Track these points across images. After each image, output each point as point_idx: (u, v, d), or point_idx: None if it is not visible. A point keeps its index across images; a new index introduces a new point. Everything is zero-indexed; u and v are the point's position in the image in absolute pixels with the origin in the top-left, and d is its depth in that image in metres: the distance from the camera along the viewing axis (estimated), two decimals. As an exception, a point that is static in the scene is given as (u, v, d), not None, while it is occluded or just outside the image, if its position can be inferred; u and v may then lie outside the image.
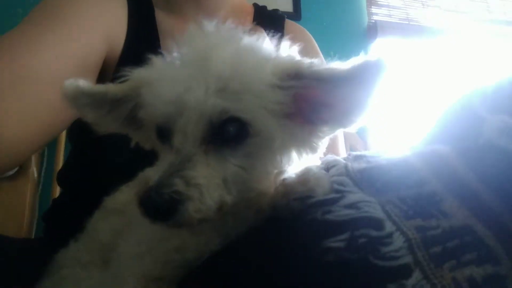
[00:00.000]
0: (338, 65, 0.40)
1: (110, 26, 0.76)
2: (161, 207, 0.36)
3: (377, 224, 0.34)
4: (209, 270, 0.42)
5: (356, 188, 0.40)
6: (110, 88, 0.48)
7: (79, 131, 0.85)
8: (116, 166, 0.77)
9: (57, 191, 1.34)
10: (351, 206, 0.36)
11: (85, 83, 0.47)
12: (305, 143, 0.45)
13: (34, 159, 1.40)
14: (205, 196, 0.38)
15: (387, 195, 0.38)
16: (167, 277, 0.43)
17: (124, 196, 0.59)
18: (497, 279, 0.29)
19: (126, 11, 0.81)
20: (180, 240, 0.43)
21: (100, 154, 0.82)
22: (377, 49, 2.25)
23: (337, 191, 0.39)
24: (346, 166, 0.43)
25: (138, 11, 0.83)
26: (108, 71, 0.78)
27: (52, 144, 1.47)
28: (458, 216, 0.34)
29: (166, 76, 0.42)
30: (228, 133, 0.40)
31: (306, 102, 0.43)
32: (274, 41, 0.45)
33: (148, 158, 0.63)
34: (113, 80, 0.77)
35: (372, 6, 2.35)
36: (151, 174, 0.38)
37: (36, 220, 1.36)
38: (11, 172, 1.37)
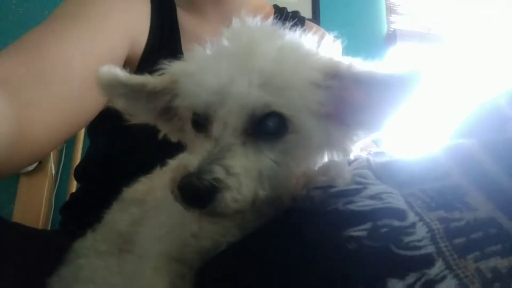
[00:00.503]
0: (378, 68, 0.40)
1: (133, 24, 0.78)
2: (201, 192, 0.37)
3: (399, 214, 0.34)
4: (229, 259, 0.43)
5: (377, 180, 0.40)
6: (149, 80, 0.48)
7: (98, 126, 0.87)
8: (134, 160, 0.78)
9: (73, 186, 1.37)
10: (374, 197, 0.37)
11: (122, 72, 0.48)
12: (339, 145, 0.45)
13: (52, 155, 1.43)
14: (243, 187, 0.38)
15: (410, 188, 0.38)
16: (185, 261, 0.43)
17: (144, 187, 0.60)
18: (522, 270, 0.29)
19: (149, 9, 0.83)
20: (198, 227, 0.44)
21: (118, 149, 0.84)
22: (395, 56, 2.24)
23: (359, 183, 0.39)
24: (368, 160, 0.43)
25: (160, 10, 0.84)
26: (130, 69, 0.79)
27: (70, 141, 1.50)
28: (482, 209, 0.34)
29: (209, 67, 0.42)
30: (268, 127, 0.40)
31: (343, 104, 0.43)
32: (315, 38, 0.46)
33: (166, 153, 0.64)
34: None
35: (392, 14, 2.35)
36: (190, 160, 0.39)
37: (52, 214, 1.39)
38: (30, 167, 1.40)
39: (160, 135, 0.54)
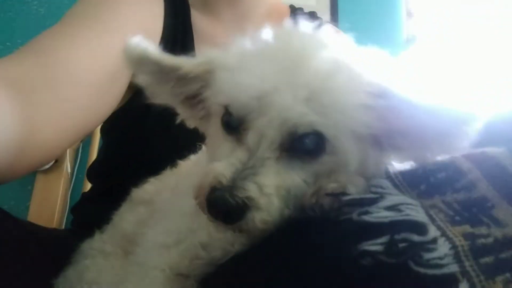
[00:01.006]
0: (430, 95, 0.37)
1: (146, 26, 0.77)
2: (233, 210, 0.36)
3: (420, 228, 0.32)
4: (233, 271, 0.41)
5: (395, 190, 0.37)
6: (183, 64, 0.46)
7: (111, 126, 0.87)
8: (145, 161, 0.78)
9: (88, 186, 1.37)
10: (392, 208, 0.34)
11: (154, 49, 0.45)
12: (370, 168, 0.41)
13: (68, 155, 1.45)
14: (273, 207, 0.37)
15: (432, 199, 0.35)
16: (192, 275, 0.42)
17: (153, 187, 0.59)
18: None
19: (162, 10, 0.82)
20: (207, 234, 0.42)
21: (130, 149, 0.84)
22: (413, 59, 2.18)
23: (375, 192, 0.37)
24: (386, 168, 0.40)
25: (174, 11, 0.83)
26: None
27: (86, 140, 1.51)
28: (513, 225, 0.30)
29: (251, 66, 0.39)
30: (305, 145, 0.38)
31: (384, 125, 0.40)
32: (364, 50, 0.43)
33: (178, 153, 0.63)
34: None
35: (410, 19, 2.30)
36: (222, 170, 0.37)
37: (66, 213, 1.40)
38: (46, 166, 1.42)
39: (178, 119, 0.52)
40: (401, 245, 0.31)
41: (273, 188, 0.37)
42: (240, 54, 0.42)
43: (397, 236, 0.31)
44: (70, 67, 0.61)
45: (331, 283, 0.32)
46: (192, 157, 0.60)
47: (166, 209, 0.51)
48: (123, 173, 0.82)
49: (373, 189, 0.38)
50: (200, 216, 0.41)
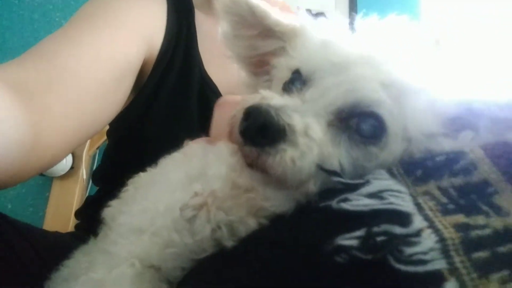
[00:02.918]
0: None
1: (149, 27, 0.77)
2: (270, 125, 0.32)
3: (403, 218, 0.27)
4: (209, 272, 0.38)
5: (388, 175, 0.33)
6: (273, 16, 0.46)
7: (114, 129, 0.87)
8: (149, 162, 0.77)
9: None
10: (374, 195, 0.30)
11: None
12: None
13: (84, 161, 1.47)
14: (309, 155, 0.33)
15: (426, 185, 0.31)
16: (164, 267, 0.39)
17: (146, 174, 0.57)
18: None
19: (166, 11, 0.82)
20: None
21: (133, 150, 0.83)
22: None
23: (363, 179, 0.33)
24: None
25: (177, 12, 0.83)
26: (145, 71, 0.78)
27: (102, 146, 1.54)
28: (518, 214, 0.26)
29: (339, 40, 0.39)
30: (361, 125, 0.36)
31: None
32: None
33: None
34: (148, 81, 0.79)
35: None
36: (271, 96, 0.35)
37: (81, 219, 1.42)
38: (63, 172, 1.45)
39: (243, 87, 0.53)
40: (380, 238, 0.27)
41: (317, 136, 0.33)
42: (331, 28, 0.42)
43: (376, 228, 0.27)
44: (75, 70, 0.62)
45: (304, 282, 0.29)
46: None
47: (151, 186, 0.50)
48: (126, 175, 0.82)
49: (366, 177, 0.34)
50: (185, 188, 0.40)
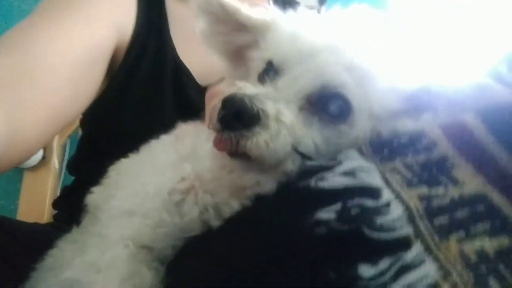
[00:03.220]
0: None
1: (119, 13, 0.76)
2: (245, 111, 0.35)
3: (373, 193, 0.31)
4: (198, 249, 0.41)
5: (358, 155, 0.37)
6: (245, 11, 0.49)
7: (88, 117, 0.87)
8: (124, 150, 0.77)
9: (77, 181, 1.38)
10: (347, 173, 0.33)
11: None
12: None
13: (55, 151, 1.45)
14: (280, 138, 0.37)
15: (393, 163, 0.35)
16: (156, 247, 0.41)
17: (128, 159, 0.58)
18: (512, 252, 0.26)
19: None
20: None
21: (108, 139, 0.83)
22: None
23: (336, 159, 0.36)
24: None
25: None
26: (117, 58, 0.78)
27: (74, 136, 1.51)
28: (471, 184, 0.30)
29: (306, 30, 0.42)
30: (330, 106, 0.39)
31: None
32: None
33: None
34: (120, 68, 0.78)
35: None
36: (246, 86, 0.38)
37: (56, 209, 1.41)
38: (34, 163, 1.42)
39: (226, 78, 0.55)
40: (354, 211, 0.30)
41: (288, 121, 0.37)
42: (299, 20, 0.45)
43: (350, 202, 0.31)
44: (46, 59, 0.61)
45: (288, 256, 0.32)
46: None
47: (139, 169, 0.52)
48: (103, 163, 0.82)
49: (338, 157, 0.37)
50: (175, 169, 0.42)
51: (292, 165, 0.38)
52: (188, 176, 0.42)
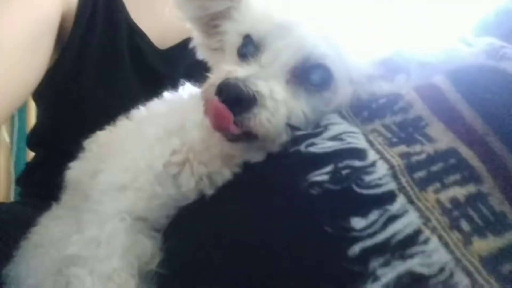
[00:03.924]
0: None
1: None
2: (243, 97, 0.37)
3: (360, 154, 0.35)
4: (196, 215, 0.43)
5: (342, 120, 0.40)
6: None
7: (41, 91, 0.83)
8: (86, 120, 0.76)
9: (31, 154, 1.32)
10: (335, 137, 0.37)
11: None
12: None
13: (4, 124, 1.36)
14: (279, 114, 0.39)
15: (372, 124, 0.38)
16: (150, 217, 0.43)
17: (106, 133, 0.58)
18: (480, 197, 0.31)
19: None
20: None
21: (68, 111, 0.81)
22: None
23: (323, 125, 0.39)
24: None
25: None
26: (66, 28, 0.76)
27: (21, 109, 1.43)
28: (442, 140, 0.34)
29: (281, 1, 0.43)
30: (313, 76, 0.42)
31: None
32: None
33: (119, 108, 0.62)
34: (71, 38, 0.75)
35: None
36: (235, 70, 0.40)
37: (13, 185, 1.35)
38: (-19, 138, 1.34)
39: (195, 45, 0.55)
40: (344, 171, 0.34)
41: (281, 97, 0.40)
42: None
43: (340, 164, 0.34)
44: None
45: (287, 216, 0.35)
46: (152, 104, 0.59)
47: (122, 145, 0.52)
48: (64, 136, 0.81)
49: (321, 122, 0.41)
50: (163, 143, 0.44)
51: (286, 137, 0.41)
52: (180, 148, 0.44)
